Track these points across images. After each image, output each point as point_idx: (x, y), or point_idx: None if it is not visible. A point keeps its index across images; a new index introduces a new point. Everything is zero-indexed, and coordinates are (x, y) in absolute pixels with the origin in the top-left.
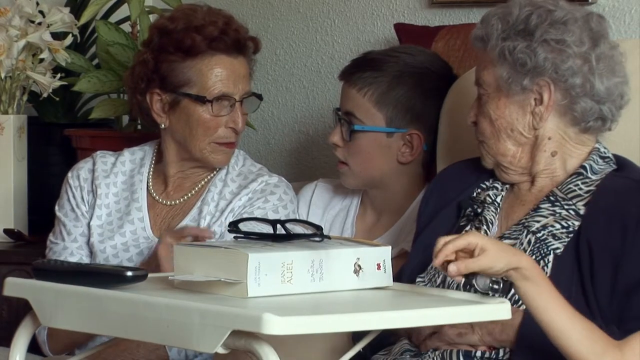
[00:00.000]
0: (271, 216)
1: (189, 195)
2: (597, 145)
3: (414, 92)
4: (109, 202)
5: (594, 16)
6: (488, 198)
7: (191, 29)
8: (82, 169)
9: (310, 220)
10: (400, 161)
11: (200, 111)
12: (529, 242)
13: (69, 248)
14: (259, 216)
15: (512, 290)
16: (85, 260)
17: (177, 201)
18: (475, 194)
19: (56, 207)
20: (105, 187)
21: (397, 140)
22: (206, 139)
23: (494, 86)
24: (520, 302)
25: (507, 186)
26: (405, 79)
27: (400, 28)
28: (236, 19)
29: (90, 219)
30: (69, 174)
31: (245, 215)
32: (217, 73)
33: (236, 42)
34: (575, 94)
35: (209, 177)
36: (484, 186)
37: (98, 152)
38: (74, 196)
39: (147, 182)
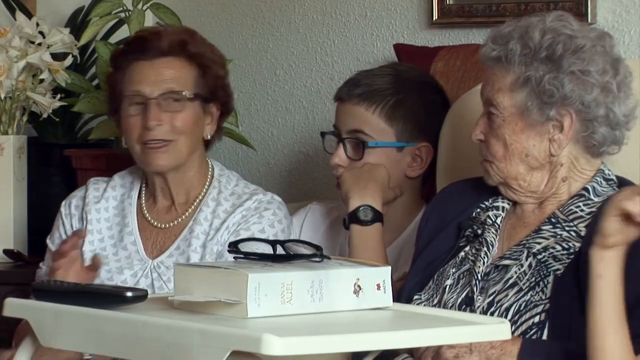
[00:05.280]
0: (268, 230)
1: (180, 220)
2: (601, 167)
3: (420, 105)
4: (100, 228)
5: (605, 37)
6: (488, 219)
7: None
8: (75, 197)
9: None
10: (409, 175)
11: (122, 116)
12: (530, 265)
13: None
14: (256, 231)
15: (517, 322)
16: None
17: (169, 224)
18: (475, 214)
19: (48, 239)
20: (96, 212)
21: (406, 154)
22: (132, 140)
23: (511, 111)
24: (523, 331)
25: (507, 207)
26: (410, 93)
27: (400, 49)
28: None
29: (82, 245)
30: (63, 203)
31: (241, 232)
32: (134, 75)
33: (156, 47)
34: (598, 124)
35: (199, 198)
36: (483, 206)
37: (91, 179)
38: (63, 224)
39: (138, 204)
